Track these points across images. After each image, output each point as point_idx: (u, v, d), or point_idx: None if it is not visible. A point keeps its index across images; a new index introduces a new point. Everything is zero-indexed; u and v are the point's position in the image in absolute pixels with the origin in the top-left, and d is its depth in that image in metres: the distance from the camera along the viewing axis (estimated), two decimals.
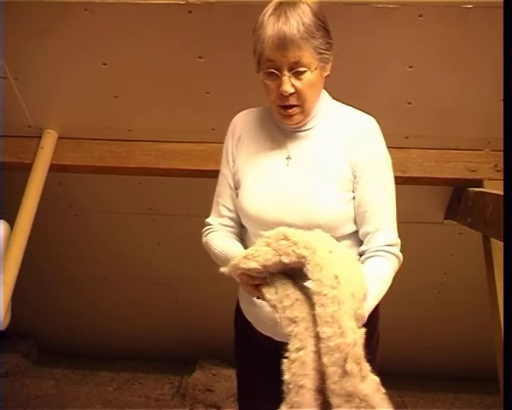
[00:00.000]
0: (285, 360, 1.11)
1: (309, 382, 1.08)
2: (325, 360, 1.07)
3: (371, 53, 2.01)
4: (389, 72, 2.06)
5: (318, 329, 1.10)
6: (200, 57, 2.07)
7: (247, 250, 1.30)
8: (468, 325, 2.82)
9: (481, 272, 2.18)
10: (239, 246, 1.50)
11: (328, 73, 1.42)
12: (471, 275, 2.51)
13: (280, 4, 1.34)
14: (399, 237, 1.46)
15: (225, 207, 1.56)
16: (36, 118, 2.35)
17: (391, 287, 1.43)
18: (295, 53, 1.31)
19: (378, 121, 1.49)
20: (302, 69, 1.33)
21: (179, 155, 2.34)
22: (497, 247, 2.07)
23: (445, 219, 2.52)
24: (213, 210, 1.60)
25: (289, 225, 1.40)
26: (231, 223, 1.57)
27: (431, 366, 3.17)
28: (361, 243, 1.46)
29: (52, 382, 3.30)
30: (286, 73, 1.33)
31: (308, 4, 1.34)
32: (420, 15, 1.88)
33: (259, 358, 1.58)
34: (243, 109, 1.60)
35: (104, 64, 2.14)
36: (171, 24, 1.99)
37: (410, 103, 2.15)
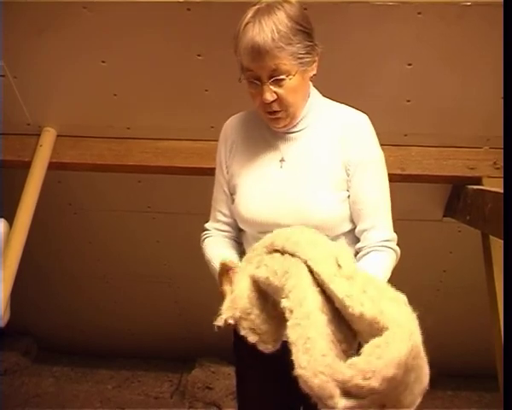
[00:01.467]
0: (284, 299, 1.11)
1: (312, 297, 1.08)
2: (320, 268, 1.10)
3: (370, 51, 2.01)
4: (388, 69, 2.06)
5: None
6: (198, 55, 2.07)
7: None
8: (467, 322, 2.82)
9: (480, 270, 2.19)
10: (231, 254, 1.49)
11: (314, 72, 1.41)
12: (470, 273, 2.51)
13: (257, 11, 1.33)
14: (398, 234, 1.46)
15: (221, 212, 1.57)
16: (35, 116, 2.34)
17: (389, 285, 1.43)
18: (272, 62, 1.30)
19: (377, 119, 1.49)
20: (281, 77, 1.33)
21: (178, 153, 2.34)
22: (496, 244, 2.07)
23: (444, 216, 2.52)
24: (211, 215, 1.61)
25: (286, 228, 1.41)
26: (227, 228, 1.58)
27: (430, 364, 3.17)
28: (357, 240, 1.46)
29: (51, 380, 3.30)
30: (265, 81, 1.33)
31: (285, 9, 1.32)
32: (419, 13, 1.88)
33: (258, 356, 1.57)
34: (242, 107, 1.59)
35: (103, 62, 2.14)
36: (170, 22, 1.99)
37: (409, 101, 2.15)
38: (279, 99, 1.35)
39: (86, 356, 3.45)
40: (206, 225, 1.61)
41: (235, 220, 1.55)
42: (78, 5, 1.96)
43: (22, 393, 3.15)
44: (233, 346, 1.69)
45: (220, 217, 1.57)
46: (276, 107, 1.37)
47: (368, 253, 1.42)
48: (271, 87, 1.33)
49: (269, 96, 1.34)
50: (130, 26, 2.03)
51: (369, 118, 1.48)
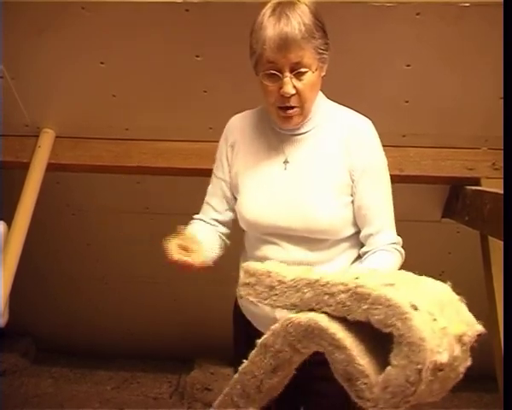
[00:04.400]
0: None
1: None
2: None
3: (369, 51, 2.01)
4: (387, 70, 2.06)
5: None
6: (197, 56, 2.07)
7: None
8: None
9: (479, 271, 2.19)
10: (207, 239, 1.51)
11: (324, 73, 1.42)
12: (469, 274, 2.50)
13: (278, 4, 1.33)
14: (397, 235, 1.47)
15: (212, 207, 1.58)
16: (33, 117, 2.34)
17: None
18: (297, 53, 1.31)
19: (375, 119, 1.49)
20: (303, 70, 1.33)
21: (177, 154, 2.34)
22: (495, 245, 2.07)
23: (443, 217, 2.52)
24: (202, 209, 1.62)
25: (288, 230, 1.41)
26: (216, 224, 1.59)
27: None
28: (361, 244, 1.47)
29: (50, 380, 3.30)
30: (287, 74, 1.33)
31: (306, 4, 1.34)
32: (417, 14, 1.88)
33: None
34: (241, 108, 1.59)
35: (102, 63, 2.13)
36: (169, 22, 1.99)
37: (407, 102, 2.15)
38: (297, 94, 1.35)
39: (85, 357, 3.44)
40: (195, 217, 1.61)
41: (226, 217, 1.57)
42: (77, 5, 1.96)
43: (21, 393, 3.14)
44: (233, 345, 1.69)
45: (211, 212, 1.58)
46: (293, 102, 1.36)
47: (375, 252, 1.43)
48: (292, 81, 1.33)
49: (289, 89, 1.33)
50: (129, 27, 2.02)
51: (368, 118, 1.48)
